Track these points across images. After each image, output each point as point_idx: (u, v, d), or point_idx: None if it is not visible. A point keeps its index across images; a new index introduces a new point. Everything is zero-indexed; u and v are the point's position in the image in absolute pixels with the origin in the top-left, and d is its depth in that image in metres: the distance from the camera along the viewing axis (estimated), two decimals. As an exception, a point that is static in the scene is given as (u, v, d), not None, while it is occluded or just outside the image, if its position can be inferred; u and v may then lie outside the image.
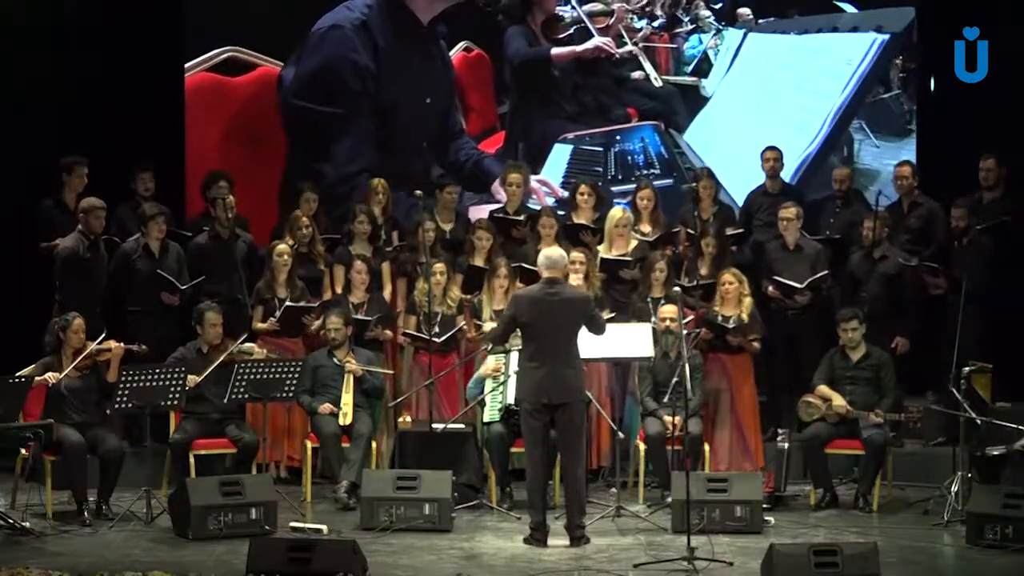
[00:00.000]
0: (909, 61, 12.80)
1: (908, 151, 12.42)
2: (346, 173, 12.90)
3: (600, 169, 12.98)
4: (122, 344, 9.99)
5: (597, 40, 13.01)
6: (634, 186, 11.87)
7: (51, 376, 9.62)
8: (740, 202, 12.37)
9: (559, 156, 13.05)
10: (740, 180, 12.51)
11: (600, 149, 13.02)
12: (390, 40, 13.04)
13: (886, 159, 12.66)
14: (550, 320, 8.97)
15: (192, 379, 9.91)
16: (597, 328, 9.15)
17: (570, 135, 13.03)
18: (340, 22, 13.02)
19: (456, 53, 13.16)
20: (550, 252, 9.28)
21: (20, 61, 11.89)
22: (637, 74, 13.09)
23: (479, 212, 12.42)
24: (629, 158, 13.01)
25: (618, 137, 13.04)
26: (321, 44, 13.05)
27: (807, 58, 12.96)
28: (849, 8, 12.90)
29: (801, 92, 12.94)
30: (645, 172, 12.89)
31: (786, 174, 12.22)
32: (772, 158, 11.91)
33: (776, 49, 13.00)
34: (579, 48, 13.07)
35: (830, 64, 12.90)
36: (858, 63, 12.77)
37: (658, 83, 13.09)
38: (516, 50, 13.08)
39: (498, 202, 12.18)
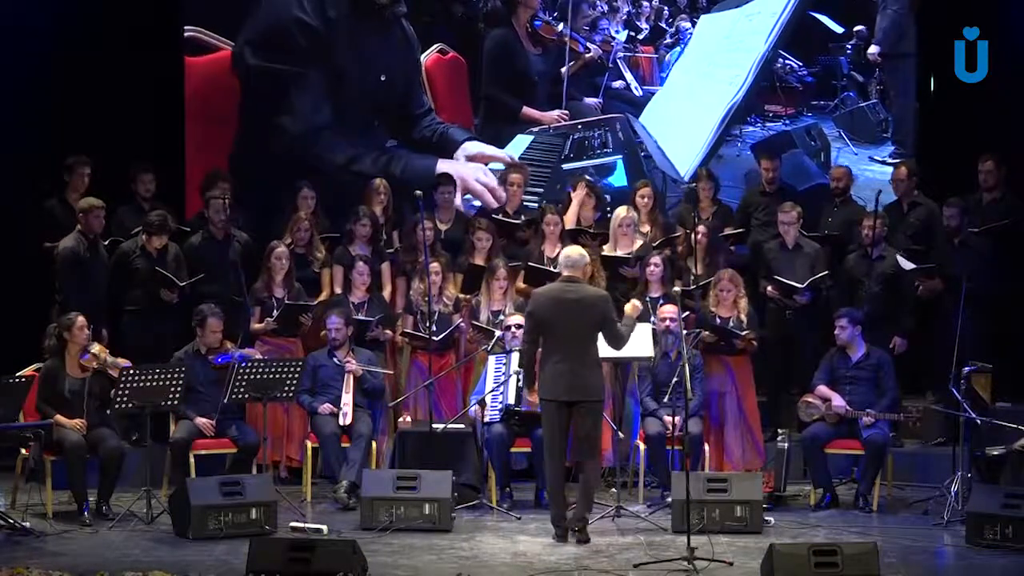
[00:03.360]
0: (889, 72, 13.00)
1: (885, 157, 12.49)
2: (308, 127, 12.76)
3: (557, 155, 12.99)
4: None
5: (556, 113, 12.91)
6: (585, 163, 11.84)
7: (79, 425, 9.60)
8: (681, 166, 12.82)
9: (518, 145, 13.00)
10: (684, 151, 12.96)
11: (560, 140, 13.01)
12: (343, 12, 12.77)
13: (863, 165, 12.82)
14: (568, 318, 8.98)
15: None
16: (613, 338, 9.11)
17: (535, 128, 13.02)
18: None
19: (431, 54, 13.00)
20: (570, 251, 9.29)
21: (20, 61, 11.88)
22: (618, 83, 13.10)
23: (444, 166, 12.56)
24: (586, 141, 13.05)
25: (579, 127, 13.06)
26: (268, 5, 12.82)
27: (743, 23, 13.16)
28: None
29: (734, 52, 13.14)
30: (598, 152, 12.95)
31: (714, 123, 12.68)
32: (771, 168, 11.96)
33: (721, 24, 13.18)
34: (546, 117, 12.94)
35: (759, 22, 13.09)
36: (779, 13, 12.98)
37: (639, 92, 13.09)
38: (493, 94, 12.97)
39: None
